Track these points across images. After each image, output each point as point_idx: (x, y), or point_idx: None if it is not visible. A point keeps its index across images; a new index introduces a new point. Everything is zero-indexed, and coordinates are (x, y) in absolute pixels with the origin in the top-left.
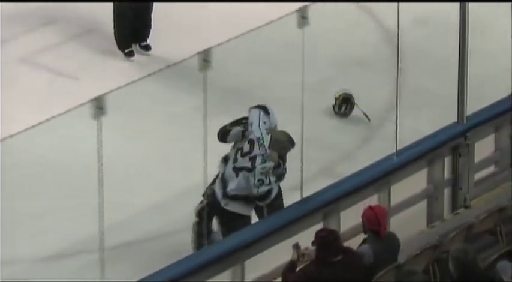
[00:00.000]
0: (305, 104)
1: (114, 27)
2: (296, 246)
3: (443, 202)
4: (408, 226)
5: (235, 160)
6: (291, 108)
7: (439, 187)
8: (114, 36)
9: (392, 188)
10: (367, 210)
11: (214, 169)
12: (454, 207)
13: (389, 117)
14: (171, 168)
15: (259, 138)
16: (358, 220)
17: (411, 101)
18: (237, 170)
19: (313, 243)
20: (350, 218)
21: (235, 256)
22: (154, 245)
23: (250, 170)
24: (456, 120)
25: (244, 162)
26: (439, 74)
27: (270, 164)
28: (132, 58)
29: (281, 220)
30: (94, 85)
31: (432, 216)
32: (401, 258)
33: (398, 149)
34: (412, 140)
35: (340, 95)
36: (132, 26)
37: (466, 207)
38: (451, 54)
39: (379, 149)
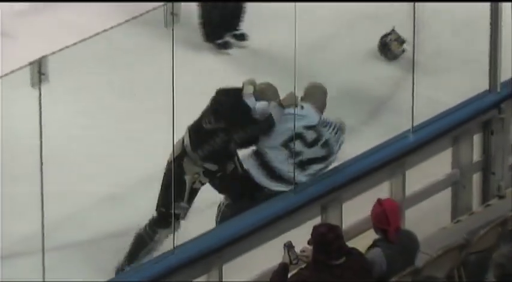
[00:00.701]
0: None
1: (201, 15)
2: (288, 246)
3: (471, 191)
4: (428, 221)
5: None
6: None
7: (466, 172)
8: (201, 25)
9: (407, 173)
10: (375, 205)
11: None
12: (485, 197)
13: (403, 84)
14: (130, 151)
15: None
16: (364, 214)
17: (431, 64)
18: None
19: (309, 242)
20: (355, 211)
21: (210, 259)
22: (111, 244)
23: None
24: (488, 88)
25: None
26: (465, 34)
27: None
28: (229, 50)
29: (268, 213)
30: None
31: (458, 209)
32: (420, 261)
33: (414, 124)
34: (431, 113)
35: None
36: (223, 11)
37: (500, 197)
38: (480, 11)
39: (389, 125)
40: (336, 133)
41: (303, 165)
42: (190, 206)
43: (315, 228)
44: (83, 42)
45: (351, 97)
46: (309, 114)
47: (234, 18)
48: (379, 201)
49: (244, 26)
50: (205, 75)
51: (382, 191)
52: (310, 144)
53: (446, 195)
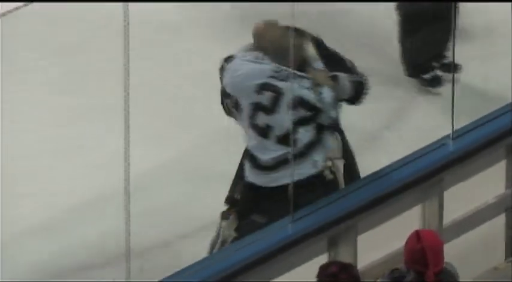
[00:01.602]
0: None
1: (400, 43)
2: None
3: None
4: (474, 259)
5: None
6: None
7: None
8: (402, 56)
9: (446, 193)
10: (411, 239)
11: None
12: None
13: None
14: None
15: None
16: (386, 249)
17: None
18: None
19: None
20: (373, 246)
21: None
22: None
23: None
24: None
25: None
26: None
27: None
28: (439, 87)
29: (255, 250)
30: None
31: None
32: None
33: (456, 128)
34: (476, 114)
35: None
36: (429, 36)
37: None
38: None
39: (420, 129)
40: (315, 86)
41: (280, 141)
42: None
43: (322, 268)
44: None
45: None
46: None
47: (442, 42)
48: (418, 235)
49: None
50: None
51: (411, 218)
52: (270, 109)
53: (498, 224)
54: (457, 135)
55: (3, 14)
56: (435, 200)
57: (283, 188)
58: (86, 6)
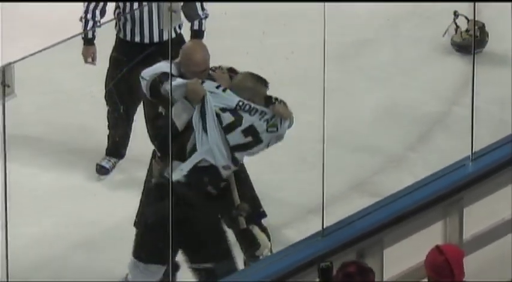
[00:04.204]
0: None
1: None
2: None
3: None
4: (493, 274)
5: None
6: None
7: None
8: None
9: (465, 210)
10: (432, 253)
11: None
12: None
13: (459, 100)
14: None
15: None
16: (411, 262)
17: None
18: None
19: (333, 278)
20: (399, 259)
21: None
22: None
23: None
24: None
25: None
26: None
27: None
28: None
29: (288, 263)
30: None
31: None
32: None
33: (475, 150)
34: (496, 136)
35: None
36: None
37: None
38: None
39: (441, 150)
40: (266, 121)
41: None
42: None
43: (344, 265)
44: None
45: (395, 116)
46: (228, 96)
47: None
48: (439, 249)
49: None
50: None
51: (434, 234)
52: (226, 129)
53: None
54: (476, 156)
55: None
56: (456, 217)
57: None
58: None
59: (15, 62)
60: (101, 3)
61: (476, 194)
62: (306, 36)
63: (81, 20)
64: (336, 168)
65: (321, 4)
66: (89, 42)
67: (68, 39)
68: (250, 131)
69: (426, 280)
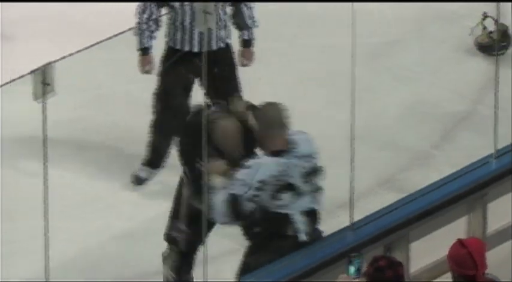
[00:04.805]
0: None
1: None
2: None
3: None
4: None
5: None
6: None
7: None
8: None
9: (489, 206)
10: (455, 247)
11: None
12: None
13: (483, 99)
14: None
15: None
16: (436, 256)
17: None
18: None
19: (365, 273)
20: (424, 252)
21: None
22: None
23: None
24: None
25: None
26: None
27: None
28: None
29: (320, 256)
30: None
31: None
32: None
33: (498, 147)
34: None
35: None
36: None
37: None
38: None
39: (465, 148)
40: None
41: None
42: None
43: (374, 259)
44: None
45: (421, 114)
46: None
47: None
48: (461, 242)
49: None
50: None
51: (458, 228)
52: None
53: None
54: (499, 154)
55: None
56: (479, 212)
57: None
58: None
59: (55, 61)
60: (154, 14)
61: (499, 190)
62: (335, 37)
63: (135, 31)
64: (364, 165)
65: (349, 5)
66: (145, 51)
67: (108, 39)
68: None
69: (450, 273)
